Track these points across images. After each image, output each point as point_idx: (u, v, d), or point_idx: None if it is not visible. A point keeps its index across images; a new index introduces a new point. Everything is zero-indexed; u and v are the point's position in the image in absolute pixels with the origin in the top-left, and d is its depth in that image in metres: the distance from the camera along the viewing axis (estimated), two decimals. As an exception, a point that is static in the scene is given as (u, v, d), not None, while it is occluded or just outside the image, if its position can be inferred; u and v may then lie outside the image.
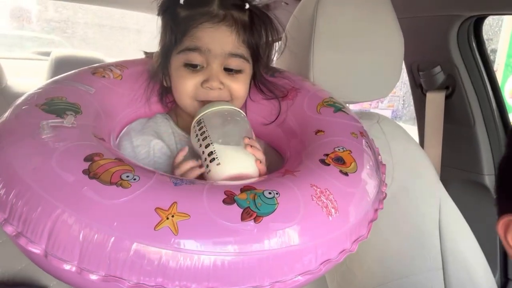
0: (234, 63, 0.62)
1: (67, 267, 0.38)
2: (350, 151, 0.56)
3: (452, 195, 0.91)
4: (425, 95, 1.17)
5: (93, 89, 0.60)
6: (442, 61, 1.09)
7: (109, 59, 1.94)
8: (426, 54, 1.13)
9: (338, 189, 0.50)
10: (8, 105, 0.54)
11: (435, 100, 1.14)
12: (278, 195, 0.44)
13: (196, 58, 0.61)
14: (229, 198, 0.42)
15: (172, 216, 0.39)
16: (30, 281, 0.53)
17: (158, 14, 0.65)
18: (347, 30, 0.80)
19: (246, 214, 0.41)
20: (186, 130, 0.65)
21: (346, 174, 0.52)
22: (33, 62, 2.83)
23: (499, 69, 3.96)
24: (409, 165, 0.89)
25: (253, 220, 0.41)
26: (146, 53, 0.71)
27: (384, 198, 0.58)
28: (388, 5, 0.83)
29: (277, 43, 0.74)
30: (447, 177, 1.12)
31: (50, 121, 0.48)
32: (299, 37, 0.82)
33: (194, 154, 0.61)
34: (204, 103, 0.62)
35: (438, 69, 1.10)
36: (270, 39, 0.67)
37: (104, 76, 0.65)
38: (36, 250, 0.39)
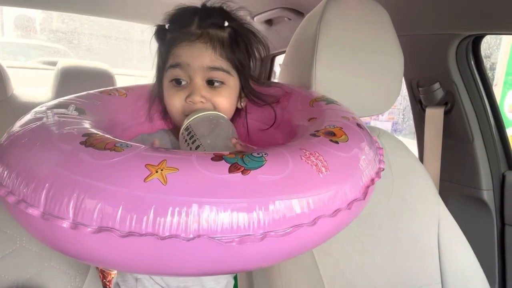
0: (216, 76, 0.66)
1: (63, 224, 0.40)
2: (341, 127, 0.57)
3: (451, 209, 0.93)
4: (424, 110, 1.19)
5: (99, 102, 0.64)
6: (441, 78, 1.11)
7: (115, 69, 1.97)
8: (426, 71, 1.15)
9: (328, 152, 0.49)
10: (14, 114, 0.57)
11: (434, 116, 1.15)
12: (266, 155, 0.45)
13: (179, 73, 0.65)
14: (217, 157, 0.44)
15: (161, 170, 0.41)
16: (38, 290, 0.55)
17: (155, 40, 0.70)
18: (348, 46, 0.82)
19: (234, 168, 0.42)
20: None
21: (336, 142, 0.52)
22: (39, 72, 2.86)
23: (498, 84, 3.99)
24: (409, 179, 0.91)
25: (240, 173, 0.42)
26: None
27: (382, 170, 0.57)
28: (388, 23, 0.86)
29: (278, 56, 0.77)
30: (446, 192, 1.13)
31: (54, 110, 0.52)
32: (301, 53, 0.85)
33: None
34: None
35: (437, 85, 1.12)
36: (256, 53, 0.71)
37: (110, 94, 0.69)
38: (34, 212, 0.41)
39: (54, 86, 1.79)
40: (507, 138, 1.15)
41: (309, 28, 0.84)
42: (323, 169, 0.46)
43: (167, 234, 0.39)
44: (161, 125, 0.76)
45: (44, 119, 0.50)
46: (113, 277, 1.05)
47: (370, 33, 0.84)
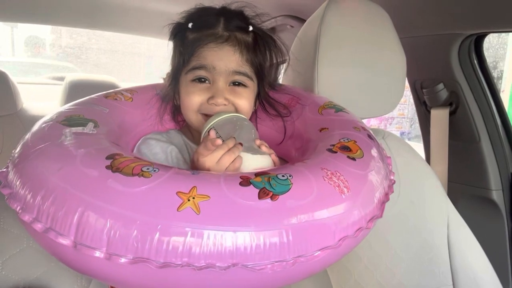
0: (239, 79, 0.66)
1: (96, 254, 0.39)
2: (355, 141, 0.58)
3: (460, 210, 0.91)
4: (429, 112, 1.18)
5: (107, 109, 0.64)
6: (444, 78, 1.11)
7: (121, 83, 2.00)
8: (429, 72, 1.15)
9: (348, 171, 0.51)
10: (24, 127, 0.56)
11: (440, 117, 1.15)
12: (291, 177, 0.46)
13: (203, 74, 0.65)
14: (245, 181, 0.44)
15: (193, 198, 0.41)
16: (45, 290, 0.55)
17: (170, 39, 0.70)
18: (350, 49, 0.83)
19: (263, 193, 0.43)
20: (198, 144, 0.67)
21: (353, 159, 0.54)
22: (48, 87, 2.91)
23: (506, 90, 3.97)
24: (415, 180, 0.90)
25: (270, 198, 0.43)
26: (164, 79, 0.75)
27: (393, 183, 0.59)
28: (389, 25, 0.86)
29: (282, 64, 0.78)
30: (454, 193, 1.12)
31: (72, 128, 0.51)
32: (303, 57, 0.85)
33: None
34: (208, 116, 0.65)
35: (441, 86, 1.12)
36: (274, 59, 0.71)
37: (116, 99, 0.68)
38: (65, 241, 0.40)
39: (63, 99, 1.82)
40: (514, 136, 1.14)
41: (310, 31, 0.85)
42: (345, 189, 0.48)
43: (202, 263, 0.39)
44: (171, 126, 0.76)
45: (62, 138, 0.49)
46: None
47: (371, 34, 0.85)
